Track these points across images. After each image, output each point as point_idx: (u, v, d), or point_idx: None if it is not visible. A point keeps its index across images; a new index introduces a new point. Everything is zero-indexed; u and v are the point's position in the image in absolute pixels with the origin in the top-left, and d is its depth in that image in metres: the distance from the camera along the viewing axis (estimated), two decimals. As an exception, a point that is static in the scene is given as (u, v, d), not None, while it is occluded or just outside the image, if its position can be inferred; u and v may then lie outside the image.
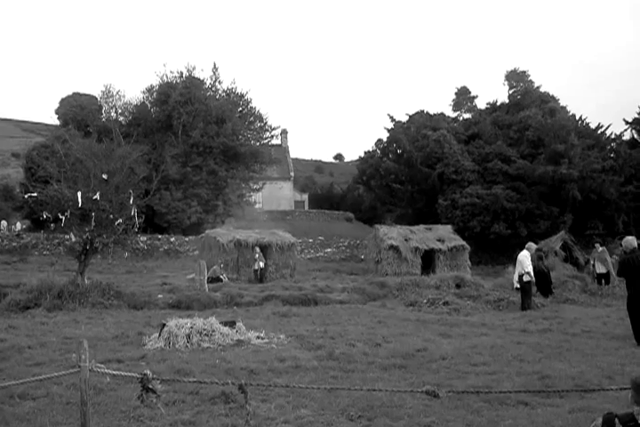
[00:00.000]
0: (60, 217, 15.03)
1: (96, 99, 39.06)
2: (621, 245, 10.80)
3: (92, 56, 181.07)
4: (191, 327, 10.16)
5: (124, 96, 39.51)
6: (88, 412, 4.24)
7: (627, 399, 3.28)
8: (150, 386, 4.28)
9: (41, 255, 28.33)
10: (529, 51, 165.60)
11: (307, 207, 58.03)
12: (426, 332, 11.38)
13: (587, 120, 39.70)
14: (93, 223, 15.22)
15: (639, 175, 35.92)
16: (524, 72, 45.60)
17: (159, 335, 10.18)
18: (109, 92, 38.63)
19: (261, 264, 21.92)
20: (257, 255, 21.95)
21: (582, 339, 10.62)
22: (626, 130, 40.12)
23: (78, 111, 37.08)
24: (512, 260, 25.58)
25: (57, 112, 39.13)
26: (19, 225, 38.68)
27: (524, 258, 14.87)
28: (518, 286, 14.81)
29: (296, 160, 65.44)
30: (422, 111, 43.64)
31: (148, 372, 4.39)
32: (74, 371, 4.78)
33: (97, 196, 14.98)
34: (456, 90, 49.37)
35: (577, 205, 33.86)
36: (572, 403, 6.51)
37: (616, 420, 3.00)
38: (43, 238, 26.71)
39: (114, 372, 5.16)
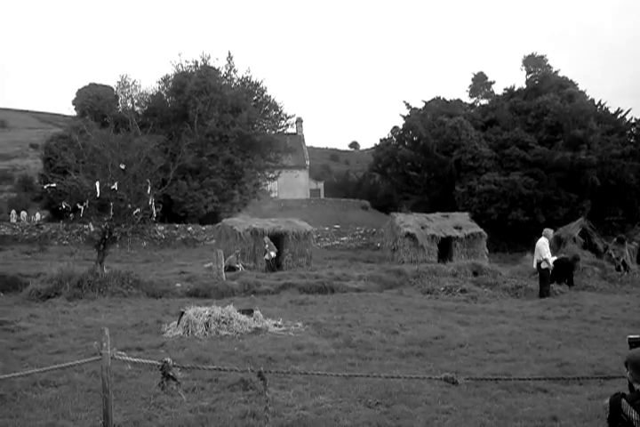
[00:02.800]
0: (79, 207, 15.18)
1: (112, 89, 39.23)
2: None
3: (107, 47, 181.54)
4: (209, 315, 10.24)
5: (139, 86, 39.67)
6: (110, 399, 4.30)
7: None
8: (171, 373, 4.33)
9: (60, 245, 28.71)
10: (546, 35, 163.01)
11: (322, 196, 57.99)
12: (443, 319, 11.37)
13: (606, 105, 39.10)
14: (112, 213, 15.36)
15: (660, 160, 35.40)
16: (542, 57, 44.72)
17: (178, 323, 10.28)
18: (125, 82, 38.79)
19: (272, 254, 21.85)
20: (267, 246, 21.90)
21: (602, 326, 10.55)
22: (646, 114, 39.50)
23: (95, 102, 37.25)
24: (530, 247, 25.50)
25: (74, 103, 39.36)
26: (38, 215, 39.15)
27: (542, 245, 14.78)
28: (545, 266, 14.56)
29: (311, 149, 65.30)
30: (438, 98, 43.16)
31: (169, 359, 4.44)
32: (95, 359, 4.84)
33: (115, 186, 15.09)
34: (473, 75, 48.45)
35: (596, 191, 33.48)
36: (592, 390, 6.48)
37: (622, 400, 2.99)
38: (62, 228, 26.99)
39: (135, 359, 5.24)
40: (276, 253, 22.30)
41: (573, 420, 5.52)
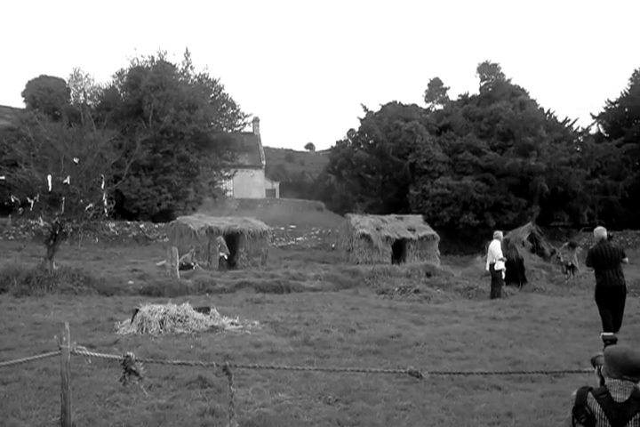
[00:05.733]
0: (29, 201, 14.70)
1: (64, 82, 38.07)
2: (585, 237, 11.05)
3: (58, 38, 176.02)
4: (164, 313, 10.09)
5: (93, 80, 38.59)
6: (69, 395, 4.18)
7: (595, 384, 3.38)
8: (133, 368, 4.24)
9: (6, 240, 27.68)
10: (500, 43, 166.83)
11: (278, 196, 57.87)
12: (399, 319, 11.52)
13: (555, 114, 40.32)
14: (63, 208, 14.94)
15: (605, 169, 36.66)
16: (496, 65, 45.75)
17: (132, 321, 10.09)
18: (78, 75, 37.67)
19: (221, 254, 21.55)
20: (219, 246, 21.61)
21: (551, 326, 10.88)
22: (593, 124, 40.98)
23: (46, 94, 36.05)
24: (480, 249, 26.06)
25: (23, 95, 38.07)
26: (-19, 210, 37.65)
27: (495, 247, 15.17)
28: (497, 267, 14.98)
29: (267, 149, 64.97)
30: (395, 101, 43.57)
31: (131, 353, 4.35)
32: (54, 353, 4.71)
33: (67, 180, 14.68)
34: (429, 81, 49.22)
35: (544, 197, 34.39)
36: (544, 387, 6.68)
37: (589, 393, 3.10)
38: (9, 224, 26.02)
39: (96, 354, 5.11)
40: (228, 256, 21.94)
41: (528, 416, 5.67)
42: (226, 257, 21.47)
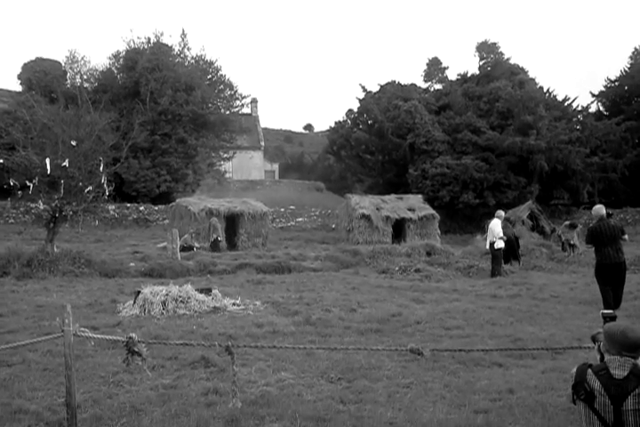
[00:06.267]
0: (28, 184, 14.68)
1: (60, 64, 37.71)
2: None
3: (54, 19, 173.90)
4: (166, 294, 10.13)
5: (89, 62, 38.24)
6: (73, 376, 4.20)
7: (595, 360, 3.40)
8: (136, 349, 4.26)
9: (6, 224, 27.70)
10: (500, 22, 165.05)
11: (277, 177, 57.76)
12: (399, 298, 11.56)
13: (554, 92, 40.04)
14: (62, 191, 14.92)
15: (604, 147, 36.56)
16: (495, 44, 45.28)
17: (134, 303, 10.13)
18: (74, 57, 37.32)
19: (214, 236, 21.37)
20: (212, 228, 21.44)
21: (551, 304, 10.93)
22: (592, 102, 40.75)
23: (42, 77, 35.70)
24: (480, 228, 26.12)
25: (19, 77, 37.74)
26: (-20, 194, 37.55)
27: (495, 226, 15.18)
28: (497, 246, 15.02)
29: (265, 130, 64.60)
30: (394, 81, 43.25)
31: (134, 335, 4.36)
32: (56, 335, 4.72)
33: (66, 163, 14.63)
34: (427, 60, 48.59)
35: (544, 176, 34.37)
36: (545, 364, 6.72)
37: (589, 370, 3.12)
38: (9, 207, 25.99)
39: (98, 336, 5.13)
40: (218, 239, 21.49)
41: (529, 392, 5.71)
42: (220, 239, 21.30)
